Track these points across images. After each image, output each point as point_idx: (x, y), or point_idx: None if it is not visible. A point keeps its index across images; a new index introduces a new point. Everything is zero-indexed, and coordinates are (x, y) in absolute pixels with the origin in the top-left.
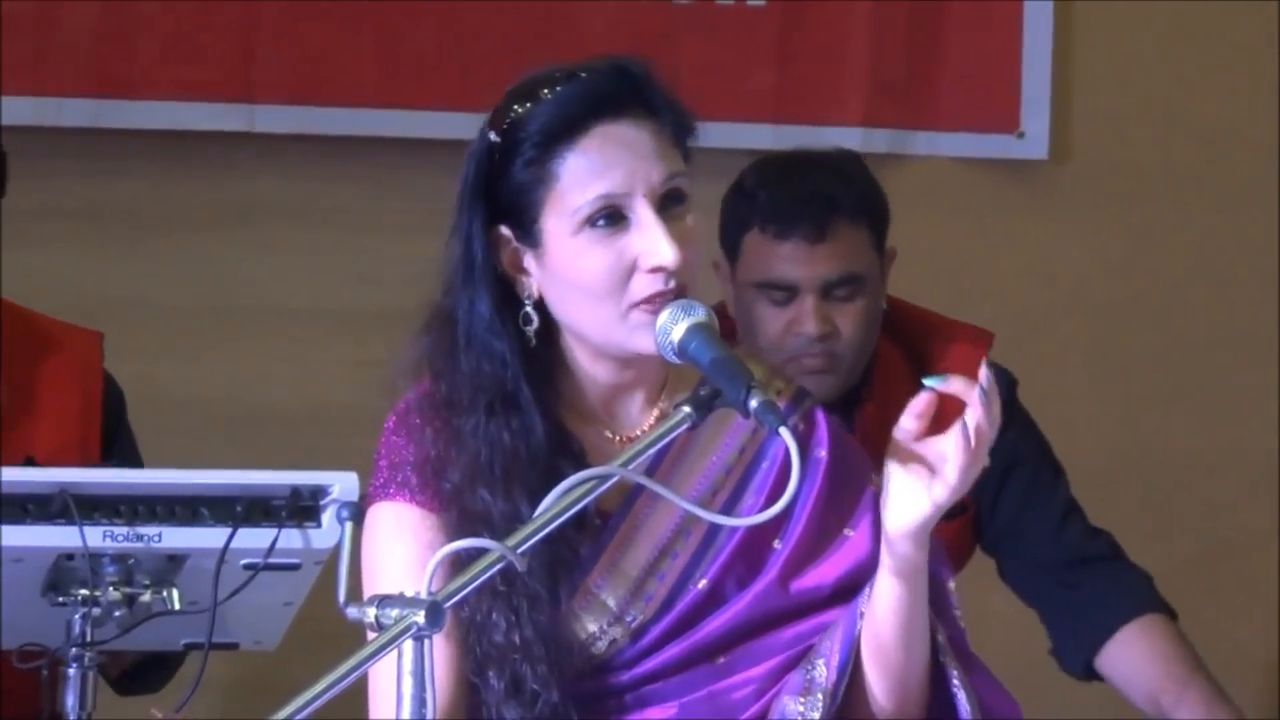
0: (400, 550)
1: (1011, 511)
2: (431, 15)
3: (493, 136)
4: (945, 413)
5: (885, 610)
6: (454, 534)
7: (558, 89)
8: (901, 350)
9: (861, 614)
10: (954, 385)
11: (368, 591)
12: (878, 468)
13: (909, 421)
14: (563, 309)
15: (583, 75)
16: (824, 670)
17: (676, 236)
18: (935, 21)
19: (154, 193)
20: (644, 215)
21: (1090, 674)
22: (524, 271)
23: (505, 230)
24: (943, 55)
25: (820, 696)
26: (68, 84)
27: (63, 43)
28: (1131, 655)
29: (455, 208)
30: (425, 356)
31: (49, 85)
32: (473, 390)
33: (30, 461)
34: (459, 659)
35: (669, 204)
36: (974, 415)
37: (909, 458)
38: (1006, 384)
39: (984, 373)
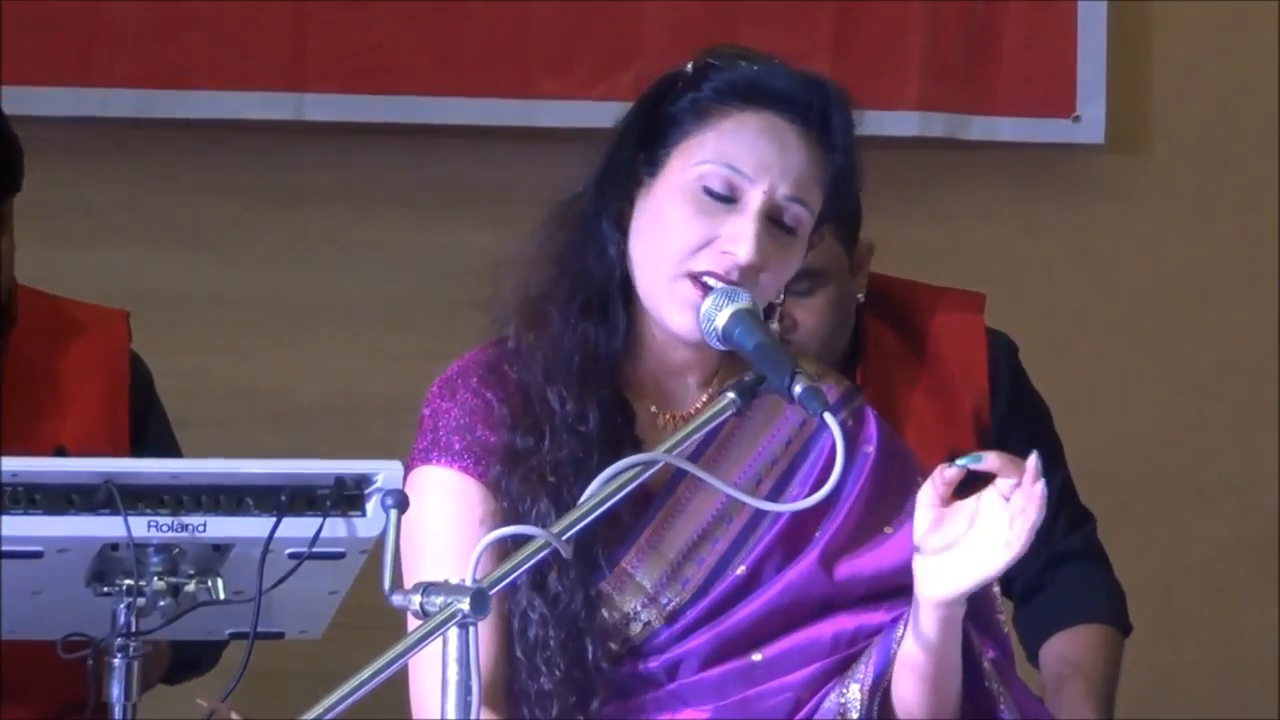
0: (441, 518)
1: None
2: (484, 2)
3: (688, 67)
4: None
5: (923, 650)
6: (504, 450)
7: (766, 66)
8: (891, 327)
9: (897, 640)
10: (990, 463)
11: (408, 557)
12: None
13: (936, 490)
14: (635, 246)
15: (792, 72)
16: (859, 695)
17: (766, 248)
18: (991, 6)
19: (201, 184)
20: (750, 206)
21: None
22: (629, 199)
23: (641, 154)
24: (998, 40)
25: None
26: (115, 75)
27: (110, 33)
28: (1046, 655)
29: (625, 116)
30: (540, 246)
31: (96, 76)
32: (573, 286)
33: (61, 451)
34: (501, 635)
35: (778, 222)
36: (1031, 506)
37: (944, 523)
38: (1010, 349)
39: (1033, 459)
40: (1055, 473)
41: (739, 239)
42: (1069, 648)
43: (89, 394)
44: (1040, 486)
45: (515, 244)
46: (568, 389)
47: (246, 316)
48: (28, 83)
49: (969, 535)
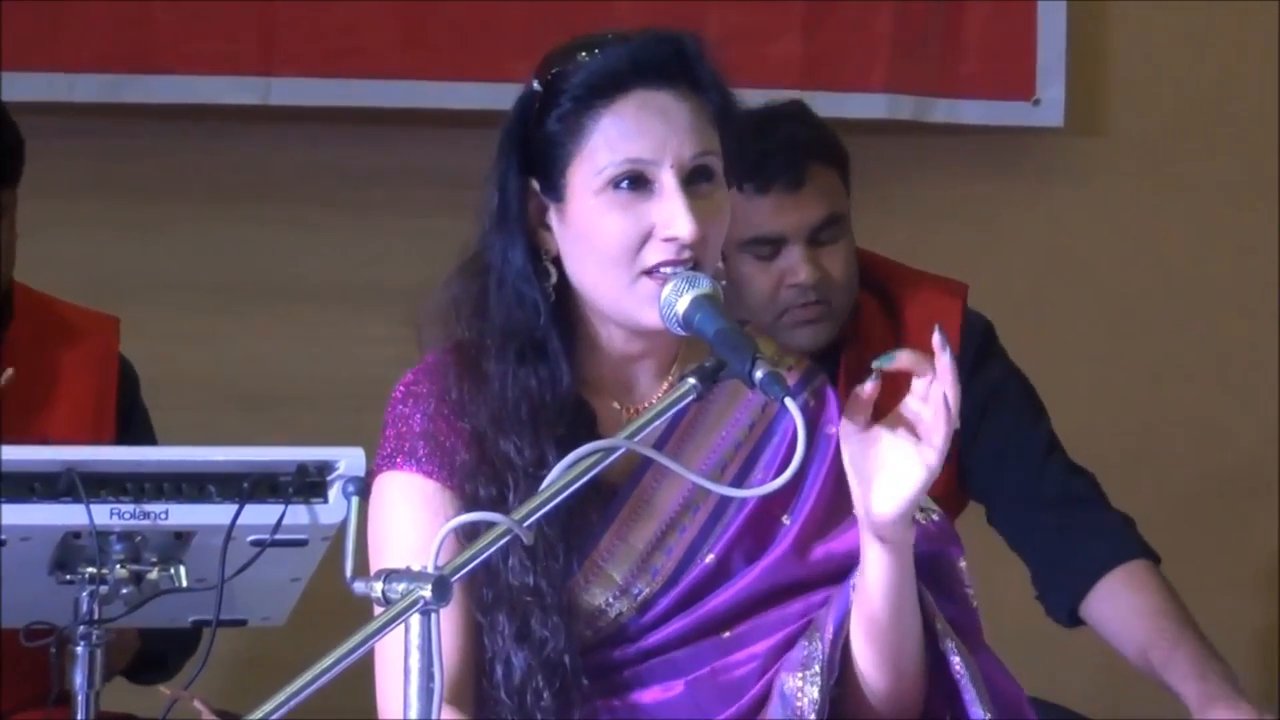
0: (407, 521)
1: (994, 448)
2: None
3: (535, 85)
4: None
5: (876, 588)
6: (466, 496)
7: (606, 48)
8: (877, 301)
9: (853, 586)
10: (903, 360)
11: (375, 562)
12: None
13: (857, 416)
14: (576, 269)
15: (633, 40)
16: (819, 644)
17: (699, 213)
18: None
19: (168, 169)
20: (668, 185)
21: (1075, 621)
22: (546, 227)
23: (534, 182)
24: (963, 23)
25: (818, 670)
26: (81, 59)
27: (76, 17)
28: (1117, 607)
29: (495, 154)
30: (455, 301)
31: (62, 60)
32: (503, 337)
33: (47, 444)
34: (466, 631)
35: (696, 180)
36: (944, 384)
37: (874, 442)
38: (983, 329)
39: (938, 337)
40: (1038, 429)
41: (673, 220)
42: (1138, 596)
43: (79, 394)
44: (947, 357)
45: (433, 295)
46: (521, 438)
47: (212, 301)
48: None
49: (896, 446)
